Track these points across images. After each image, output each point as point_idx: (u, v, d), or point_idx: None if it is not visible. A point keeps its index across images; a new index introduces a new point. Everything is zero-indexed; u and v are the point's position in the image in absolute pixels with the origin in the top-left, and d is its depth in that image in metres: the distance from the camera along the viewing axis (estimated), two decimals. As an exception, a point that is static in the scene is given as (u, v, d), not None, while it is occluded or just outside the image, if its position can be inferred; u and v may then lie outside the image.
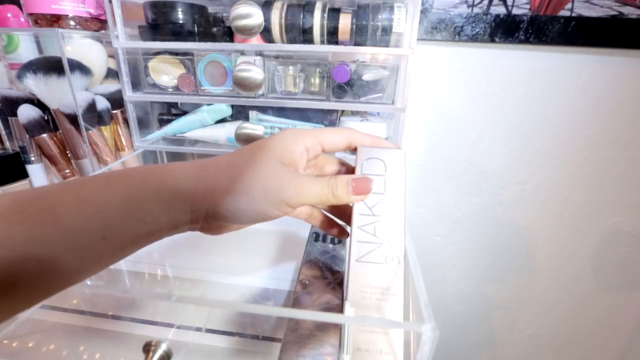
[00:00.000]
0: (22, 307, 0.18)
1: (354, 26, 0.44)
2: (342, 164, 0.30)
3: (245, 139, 0.48)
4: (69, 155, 0.51)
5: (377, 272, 0.24)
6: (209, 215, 0.22)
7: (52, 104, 0.47)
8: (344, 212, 0.29)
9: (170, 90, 0.50)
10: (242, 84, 0.44)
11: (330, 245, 0.36)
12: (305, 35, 0.45)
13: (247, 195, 0.22)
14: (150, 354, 0.29)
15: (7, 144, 0.53)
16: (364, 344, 0.23)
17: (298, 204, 0.24)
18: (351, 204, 0.27)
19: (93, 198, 0.19)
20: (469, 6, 0.57)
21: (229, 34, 0.48)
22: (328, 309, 0.28)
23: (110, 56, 0.52)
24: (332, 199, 0.25)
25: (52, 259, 0.17)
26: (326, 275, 0.32)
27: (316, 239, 0.37)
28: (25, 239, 0.17)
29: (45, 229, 0.17)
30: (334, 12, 0.44)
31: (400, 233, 0.25)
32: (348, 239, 0.27)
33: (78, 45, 0.48)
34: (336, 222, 0.30)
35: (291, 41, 0.46)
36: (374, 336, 0.23)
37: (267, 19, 0.43)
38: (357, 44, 0.46)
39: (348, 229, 0.28)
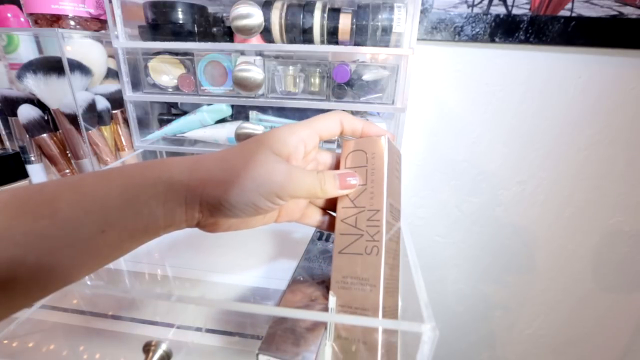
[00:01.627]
0: (21, 304, 0.18)
1: (354, 26, 0.44)
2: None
3: (245, 139, 0.47)
4: (69, 155, 0.51)
5: (358, 263, 0.24)
6: (203, 208, 0.22)
7: (52, 104, 0.47)
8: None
9: (170, 90, 0.50)
10: (242, 84, 0.44)
11: (331, 245, 0.36)
12: (305, 35, 0.45)
13: (238, 186, 0.22)
14: (150, 354, 0.29)
15: (7, 144, 0.53)
16: (344, 333, 0.24)
17: (288, 196, 0.24)
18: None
19: (91, 192, 0.19)
20: (469, 6, 0.57)
21: (229, 34, 0.48)
22: (315, 304, 0.28)
23: (110, 56, 0.52)
24: (320, 192, 0.25)
25: (52, 253, 0.17)
26: (321, 273, 0.32)
27: (319, 238, 0.37)
28: (25, 233, 0.17)
29: (44, 222, 0.17)
30: (334, 12, 0.44)
31: (381, 223, 0.25)
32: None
33: (78, 45, 0.48)
34: (331, 216, 0.30)
35: (291, 41, 0.46)
36: (354, 326, 0.24)
37: (267, 19, 0.43)
38: (357, 44, 0.46)
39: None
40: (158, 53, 0.48)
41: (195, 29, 0.46)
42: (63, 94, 0.46)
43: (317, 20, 0.44)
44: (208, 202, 0.22)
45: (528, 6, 0.56)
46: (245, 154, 0.23)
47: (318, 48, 0.45)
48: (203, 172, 0.22)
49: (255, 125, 0.48)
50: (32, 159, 0.52)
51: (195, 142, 0.54)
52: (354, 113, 0.52)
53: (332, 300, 0.24)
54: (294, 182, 0.23)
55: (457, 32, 0.59)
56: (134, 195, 0.20)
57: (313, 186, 0.24)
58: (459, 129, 0.67)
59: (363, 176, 0.26)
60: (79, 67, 0.47)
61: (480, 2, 0.57)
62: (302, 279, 0.31)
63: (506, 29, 0.58)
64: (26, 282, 0.17)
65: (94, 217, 0.19)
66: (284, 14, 0.44)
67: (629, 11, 0.55)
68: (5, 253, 0.16)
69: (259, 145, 0.24)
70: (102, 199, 0.19)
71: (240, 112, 0.52)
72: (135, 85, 0.50)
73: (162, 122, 0.54)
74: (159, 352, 0.29)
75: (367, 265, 0.24)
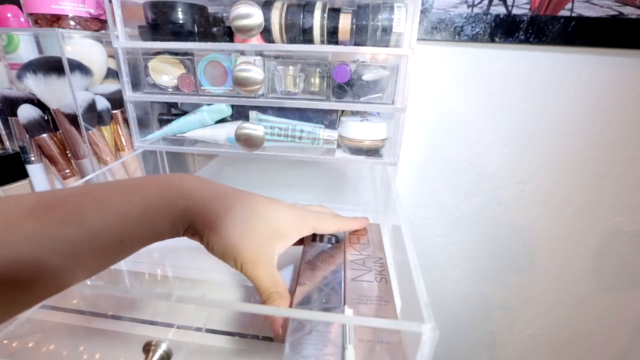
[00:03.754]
0: (39, 300, 0.19)
1: (354, 26, 0.44)
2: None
3: (245, 139, 0.48)
4: (69, 155, 0.51)
5: (370, 287, 0.30)
6: (195, 234, 0.26)
7: (52, 104, 0.47)
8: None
9: (170, 90, 0.50)
10: (242, 84, 0.44)
11: (328, 245, 0.36)
12: (305, 35, 0.45)
13: (226, 248, 0.26)
14: (150, 354, 0.28)
15: (7, 144, 0.53)
16: (365, 336, 0.25)
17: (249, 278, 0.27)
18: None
19: (114, 205, 0.22)
20: (469, 6, 0.57)
21: (229, 34, 0.48)
22: (328, 309, 0.28)
23: (110, 56, 0.52)
24: (266, 301, 0.27)
25: (74, 257, 0.19)
26: (325, 276, 0.32)
27: (313, 239, 0.37)
28: (52, 237, 0.18)
29: (71, 228, 0.19)
30: (334, 12, 0.44)
31: (384, 262, 0.33)
32: (343, 265, 0.33)
33: (78, 45, 0.48)
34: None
35: (291, 41, 0.46)
36: (371, 329, 0.26)
37: (267, 19, 0.43)
38: (357, 44, 0.45)
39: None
40: (158, 53, 0.48)
41: (195, 29, 0.46)
42: (63, 94, 0.46)
43: (317, 20, 0.44)
44: (201, 235, 0.26)
45: (528, 6, 0.56)
46: (248, 232, 0.27)
47: (318, 48, 0.45)
48: (213, 213, 0.26)
49: (255, 125, 0.48)
50: (32, 159, 0.52)
51: (195, 142, 0.54)
52: (353, 113, 0.52)
53: (349, 311, 0.27)
54: (255, 277, 0.27)
55: (457, 32, 0.59)
56: (152, 215, 0.23)
57: (264, 292, 0.27)
58: (459, 129, 0.67)
59: (365, 238, 0.38)
60: (79, 67, 0.47)
61: (480, 2, 0.57)
62: (307, 283, 0.31)
63: (506, 29, 0.58)
64: (47, 282, 0.18)
65: (116, 229, 0.21)
66: (284, 14, 0.44)
67: (629, 11, 0.55)
68: (32, 254, 0.18)
69: (262, 231, 0.28)
70: (124, 214, 0.22)
71: (240, 112, 0.52)
72: (135, 85, 0.50)
73: (162, 122, 0.54)
74: (159, 352, 0.29)
75: (378, 289, 0.30)
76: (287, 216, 0.30)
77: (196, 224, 0.25)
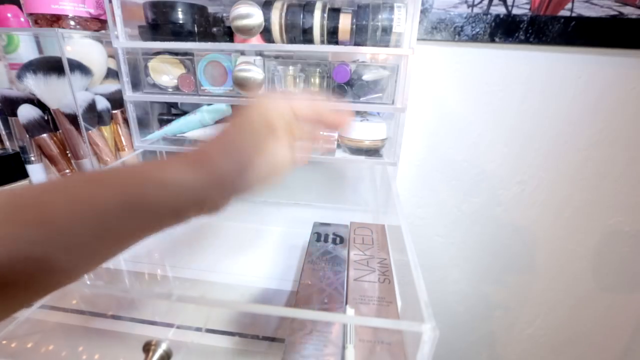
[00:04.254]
0: (15, 307, 0.18)
1: (354, 26, 0.44)
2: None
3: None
4: (69, 155, 0.51)
5: (372, 288, 0.30)
6: (213, 206, 0.25)
7: (52, 104, 0.47)
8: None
9: (170, 90, 0.50)
10: (242, 84, 0.44)
11: (331, 245, 0.36)
12: (305, 35, 0.45)
13: (250, 182, 0.26)
14: (150, 354, 0.28)
15: (7, 144, 0.53)
16: (365, 336, 0.25)
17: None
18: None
19: (86, 198, 0.19)
20: (469, 6, 0.57)
21: (229, 34, 0.48)
22: (330, 309, 0.28)
23: (110, 56, 0.52)
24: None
25: (44, 259, 0.18)
26: (328, 276, 0.32)
27: (317, 240, 0.37)
28: (15, 240, 0.17)
29: (36, 229, 0.17)
30: (334, 12, 0.44)
31: (387, 263, 0.34)
32: (346, 265, 0.34)
33: (78, 45, 0.48)
34: None
35: (291, 41, 0.46)
36: (372, 329, 0.26)
37: (267, 19, 0.43)
38: (357, 44, 0.46)
39: None
40: (158, 53, 0.48)
41: (195, 29, 0.46)
42: (63, 94, 0.46)
43: (317, 20, 0.44)
44: (218, 200, 0.24)
45: (528, 6, 0.56)
46: (257, 144, 0.26)
47: (318, 48, 0.45)
48: (218, 174, 0.24)
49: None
50: (32, 159, 0.52)
51: (195, 142, 0.54)
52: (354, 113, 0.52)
53: (350, 310, 0.28)
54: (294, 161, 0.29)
55: (457, 32, 0.59)
56: (136, 203, 0.20)
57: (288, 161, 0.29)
58: (459, 128, 0.67)
59: (369, 238, 0.38)
60: (79, 67, 0.47)
61: (480, 2, 0.57)
62: (310, 282, 0.31)
63: (506, 29, 0.58)
64: (17, 287, 0.17)
65: (89, 224, 0.19)
66: (284, 14, 0.44)
67: (629, 11, 0.55)
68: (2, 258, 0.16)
69: (269, 135, 0.27)
70: (99, 206, 0.19)
71: (240, 112, 0.52)
72: (135, 85, 0.50)
73: (162, 122, 0.54)
74: (159, 352, 0.29)
75: (381, 290, 0.30)
76: (271, 105, 0.29)
77: (207, 193, 0.24)
